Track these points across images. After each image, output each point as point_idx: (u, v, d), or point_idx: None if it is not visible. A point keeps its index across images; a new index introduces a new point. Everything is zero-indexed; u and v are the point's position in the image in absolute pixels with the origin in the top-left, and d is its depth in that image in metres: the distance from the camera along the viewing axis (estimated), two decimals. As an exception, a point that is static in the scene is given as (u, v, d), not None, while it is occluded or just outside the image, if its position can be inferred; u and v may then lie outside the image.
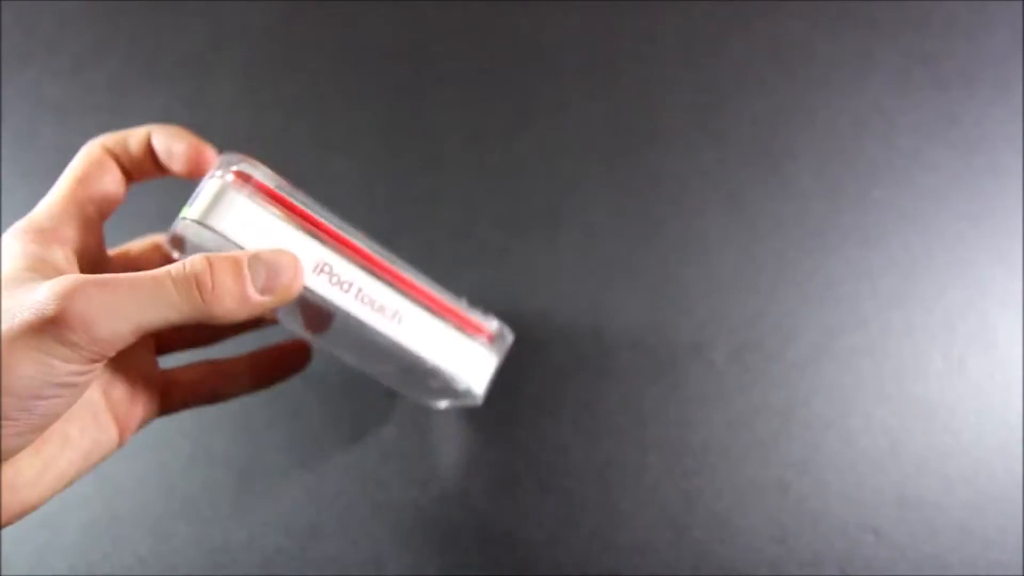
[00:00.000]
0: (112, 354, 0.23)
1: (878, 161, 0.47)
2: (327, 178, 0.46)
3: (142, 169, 0.29)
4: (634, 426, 0.40)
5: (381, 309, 0.28)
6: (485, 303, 0.32)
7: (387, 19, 0.54)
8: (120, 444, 0.28)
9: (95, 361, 0.22)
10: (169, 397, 0.31)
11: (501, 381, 0.41)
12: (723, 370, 0.41)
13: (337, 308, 0.27)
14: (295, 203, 0.27)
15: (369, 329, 0.28)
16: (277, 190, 0.26)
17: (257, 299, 0.24)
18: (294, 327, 0.33)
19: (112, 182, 0.28)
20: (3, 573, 0.36)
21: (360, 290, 0.27)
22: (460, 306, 0.31)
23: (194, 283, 0.23)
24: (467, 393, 0.31)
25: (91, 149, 0.28)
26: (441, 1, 0.54)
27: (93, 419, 0.27)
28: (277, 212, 0.26)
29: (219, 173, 0.26)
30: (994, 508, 0.37)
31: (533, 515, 0.38)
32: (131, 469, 0.39)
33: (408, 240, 0.44)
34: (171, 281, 0.23)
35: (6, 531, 0.37)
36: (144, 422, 0.30)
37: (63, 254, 0.25)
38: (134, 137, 0.28)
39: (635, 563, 0.36)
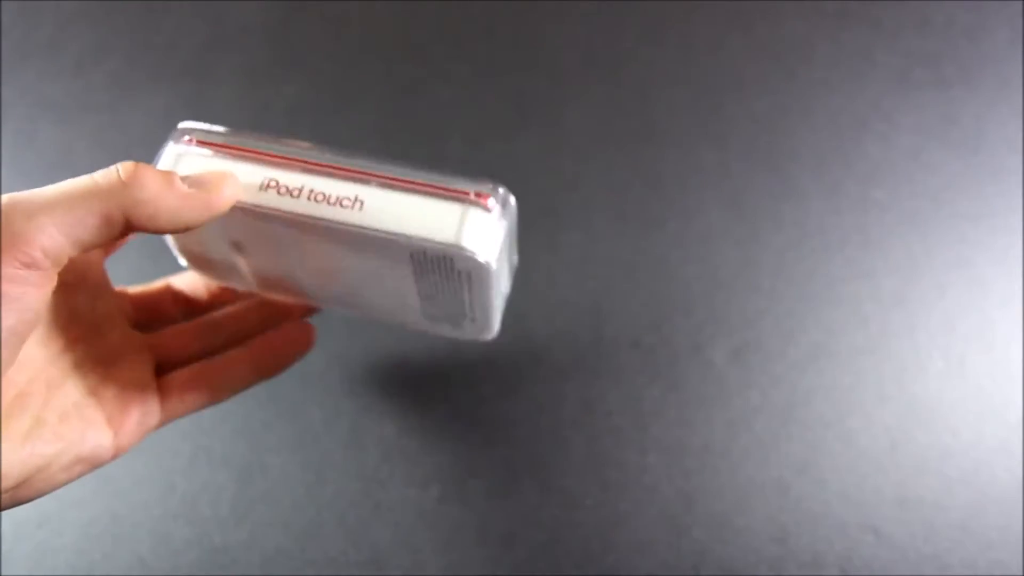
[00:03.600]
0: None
1: (878, 161, 0.47)
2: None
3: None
4: (634, 426, 0.40)
5: (338, 201, 0.27)
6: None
7: (387, 19, 0.54)
8: (118, 448, 0.28)
9: (30, 267, 0.22)
10: (168, 398, 0.31)
11: (501, 381, 0.41)
12: (723, 370, 0.41)
13: (295, 216, 0.26)
14: (230, 143, 0.28)
15: (335, 229, 0.27)
16: (210, 139, 0.28)
17: (183, 189, 0.24)
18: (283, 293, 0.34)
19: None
20: (3, 573, 0.36)
21: (312, 191, 0.27)
22: (436, 175, 0.27)
23: (115, 170, 0.23)
24: (472, 263, 0.27)
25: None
26: (441, 1, 0.54)
27: (76, 411, 0.26)
28: (212, 151, 0.28)
29: (171, 143, 0.28)
30: (994, 508, 0.37)
31: (533, 515, 0.38)
32: (131, 469, 0.39)
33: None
34: (93, 177, 0.23)
35: (6, 531, 0.37)
36: (144, 427, 0.29)
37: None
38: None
39: (635, 563, 0.36)
